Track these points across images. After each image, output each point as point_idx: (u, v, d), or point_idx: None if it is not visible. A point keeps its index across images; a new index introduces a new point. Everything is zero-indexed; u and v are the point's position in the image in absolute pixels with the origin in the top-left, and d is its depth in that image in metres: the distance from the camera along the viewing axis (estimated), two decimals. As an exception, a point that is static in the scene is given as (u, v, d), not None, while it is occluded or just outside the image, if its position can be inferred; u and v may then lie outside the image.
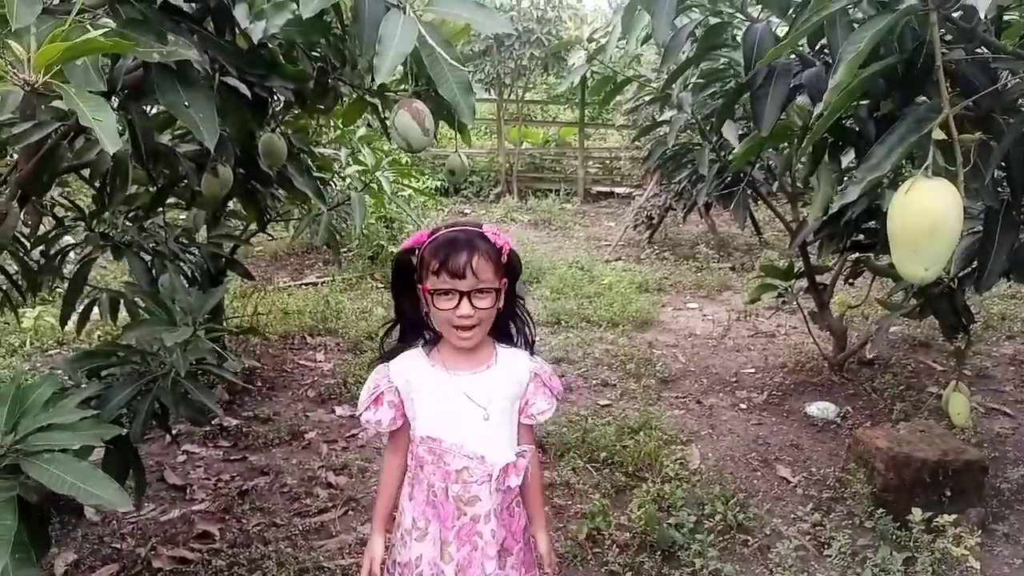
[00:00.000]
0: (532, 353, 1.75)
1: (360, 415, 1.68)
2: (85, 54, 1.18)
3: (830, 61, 2.01)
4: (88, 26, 1.24)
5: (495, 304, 1.59)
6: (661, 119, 4.17)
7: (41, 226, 2.82)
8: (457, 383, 1.62)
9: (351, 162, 3.97)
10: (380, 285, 6.35)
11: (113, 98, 1.73)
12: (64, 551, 2.66)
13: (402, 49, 1.35)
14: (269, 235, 5.67)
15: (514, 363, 1.69)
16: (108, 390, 1.97)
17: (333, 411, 3.94)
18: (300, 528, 2.86)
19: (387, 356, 1.70)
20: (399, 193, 4.57)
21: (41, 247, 2.81)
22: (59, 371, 2.16)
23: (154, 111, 2.42)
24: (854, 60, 1.48)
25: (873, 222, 3.28)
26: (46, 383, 1.63)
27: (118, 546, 2.73)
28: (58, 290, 3.14)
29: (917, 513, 2.63)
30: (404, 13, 1.39)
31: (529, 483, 1.71)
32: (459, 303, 1.53)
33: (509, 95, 11.62)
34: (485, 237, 1.57)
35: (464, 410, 1.62)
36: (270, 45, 1.95)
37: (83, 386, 1.97)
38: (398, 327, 1.72)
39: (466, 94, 1.43)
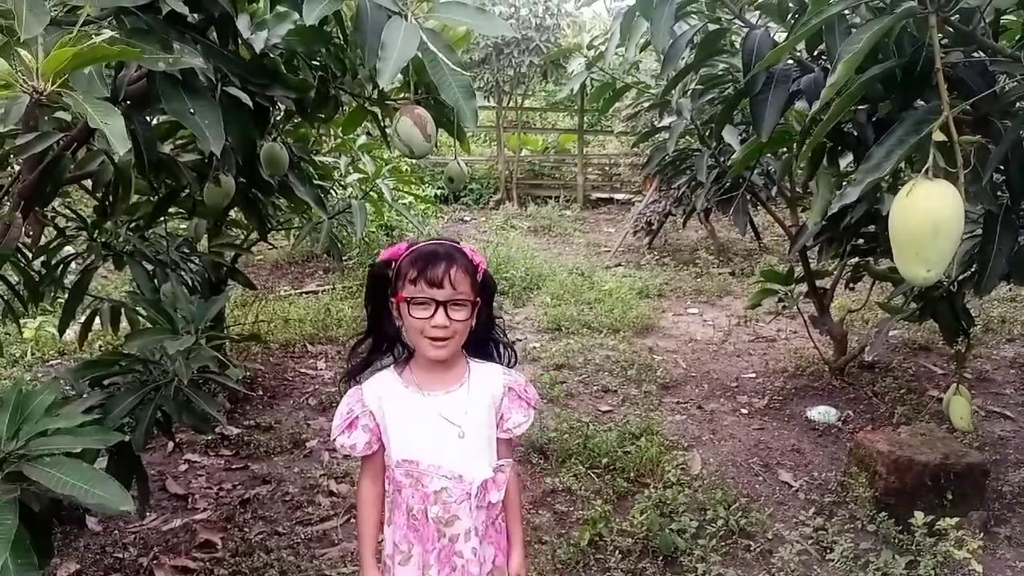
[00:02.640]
0: (512, 365, 1.74)
1: (334, 439, 1.65)
2: (93, 61, 1.19)
3: (828, 67, 2.02)
4: (94, 36, 1.25)
5: (469, 318, 1.59)
6: (660, 125, 4.19)
7: (43, 236, 2.83)
8: (431, 404, 1.62)
9: (351, 170, 3.98)
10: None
11: (117, 107, 1.74)
12: (66, 561, 2.66)
13: (404, 55, 1.36)
14: (270, 244, 5.68)
15: (488, 378, 1.69)
16: (111, 399, 1.97)
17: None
18: (302, 536, 2.86)
19: (353, 373, 1.69)
20: (399, 201, 4.58)
21: (42, 257, 2.82)
22: (61, 380, 2.16)
23: (156, 121, 2.43)
24: (852, 60, 1.49)
25: (872, 227, 3.30)
26: (48, 390, 1.63)
27: (120, 556, 2.73)
28: (59, 300, 3.15)
29: (919, 516, 2.63)
30: (405, 20, 1.40)
31: (508, 498, 1.70)
32: (435, 312, 1.53)
33: (508, 102, 11.64)
34: (464, 252, 1.59)
35: (440, 430, 1.60)
36: (272, 55, 1.96)
37: (86, 395, 1.97)
38: (369, 342, 1.70)
39: (469, 98, 1.44)
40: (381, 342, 1.68)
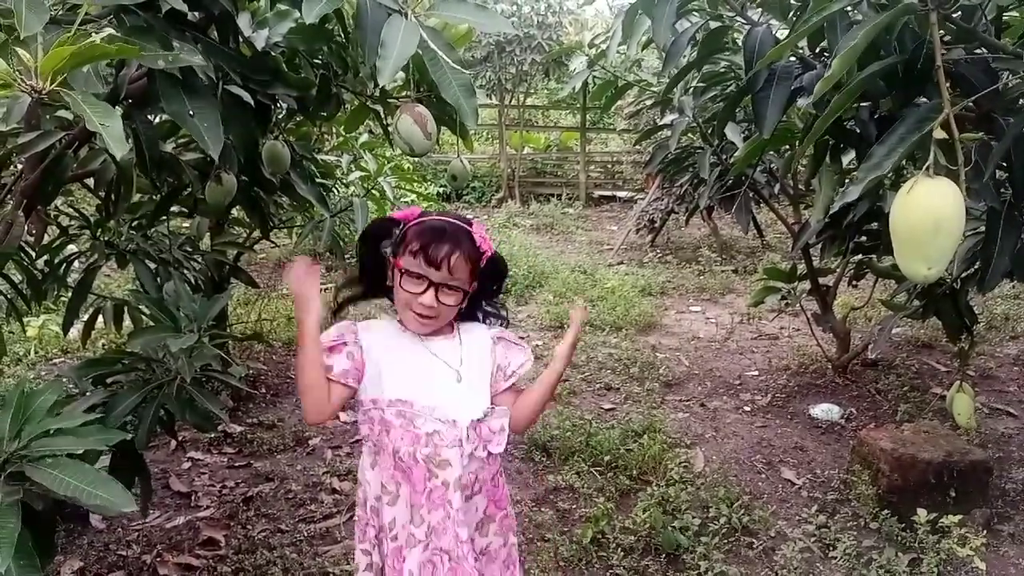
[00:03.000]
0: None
1: None
2: (92, 60, 1.19)
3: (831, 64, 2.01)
4: (93, 34, 1.25)
5: (459, 303, 1.60)
6: (663, 123, 4.17)
7: (46, 235, 2.83)
8: (427, 346, 1.62)
9: (353, 168, 3.98)
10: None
11: (117, 107, 1.74)
12: (70, 559, 2.67)
13: (404, 53, 1.36)
14: (272, 242, 5.68)
15: (475, 333, 1.70)
16: (113, 397, 1.97)
17: (337, 416, 3.95)
18: (305, 534, 2.86)
19: (339, 309, 1.69)
20: (401, 199, 4.58)
21: (46, 256, 2.82)
22: (64, 379, 2.16)
23: (158, 120, 2.43)
24: (849, 54, 1.48)
25: (875, 224, 3.29)
26: (50, 390, 1.63)
27: (124, 553, 2.73)
28: (63, 299, 3.16)
29: (922, 514, 2.63)
30: (406, 18, 1.40)
31: (529, 407, 1.69)
32: (425, 291, 1.54)
33: (511, 100, 11.64)
34: (471, 237, 1.58)
35: (436, 372, 1.61)
36: (273, 53, 1.96)
37: (89, 393, 1.98)
38: (361, 289, 1.70)
39: (469, 96, 1.44)
40: (367, 290, 1.68)
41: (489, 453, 1.64)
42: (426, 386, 1.60)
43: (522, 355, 1.70)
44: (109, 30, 1.38)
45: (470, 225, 1.61)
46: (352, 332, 1.62)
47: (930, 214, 1.34)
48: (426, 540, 1.60)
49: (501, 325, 1.76)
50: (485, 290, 1.68)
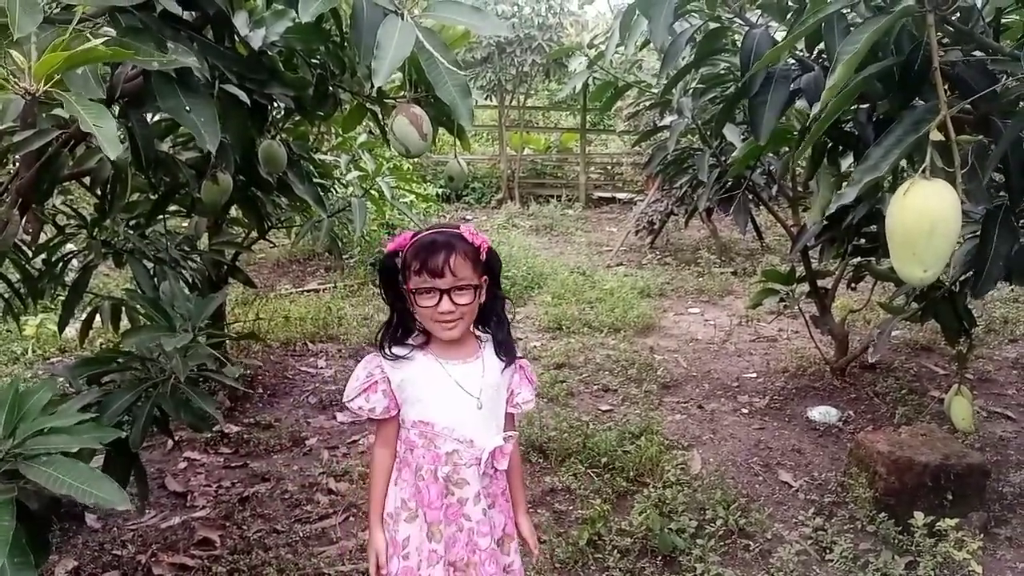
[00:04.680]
0: (513, 352, 1.81)
1: (350, 400, 1.73)
2: (86, 63, 1.19)
3: (828, 65, 2.01)
4: (88, 35, 1.25)
5: (475, 299, 1.67)
6: (661, 124, 4.18)
7: (43, 234, 2.83)
8: (450, 372, 1.71)
9: (352, 168, 3.98)
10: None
11: (113, 106, 1.74)
12: (65, 558, 2.66)
13: (400, 53, 1.35)
14: (270, 242, 5.68)
15: (499, 355, 1.79)
16: (108, 396, 1.97)
17: (334, 417, 3.94)
18: (301, 535, 2.86)
19: (382, 344, 1.76)
20: (400, 199, 4.58)
21: (43, 255, 2.82)
22: (59, 378, 2.16)
23: (154, 119, 2.43)
24: (852, 60, 1.48)
25: (874, 226, 3.29)
26: (44, 388, 1.63)
27: (119, 553, 2.73)
28: (60, 298, 3.16)
29: (919, 517, 2.63)
30: (402, 18, 1.40)
31: (511, 468, 1.81)
32: (440, 300, 1.62)
33: (511, 101, 11.64)
34: (463, 237, 1.65)
35: (457, 398, 1.70)
36: (270, 52, 1.96)
37: (83, 392, 1.97)
38: (394, 327, 1.77)
39: (464, 97, 1.44)
40: (402, 327, 1.75)
41: (496, 470, 1.76)
42: (447, 410, 1.70)
43: (530, 393, 1.83)
44: (106, 29, 1.38)
45: (458, 227, 1.69)
46: (378, 366, 1.73)
47: (926, 217, 1.34)
48: (445, 555, 1.71)
49: (501, 326, 1.80)
50: (495, 281, 1.75)
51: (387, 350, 1.72)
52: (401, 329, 1.75)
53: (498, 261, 1.74)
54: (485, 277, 1.70)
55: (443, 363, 1.71)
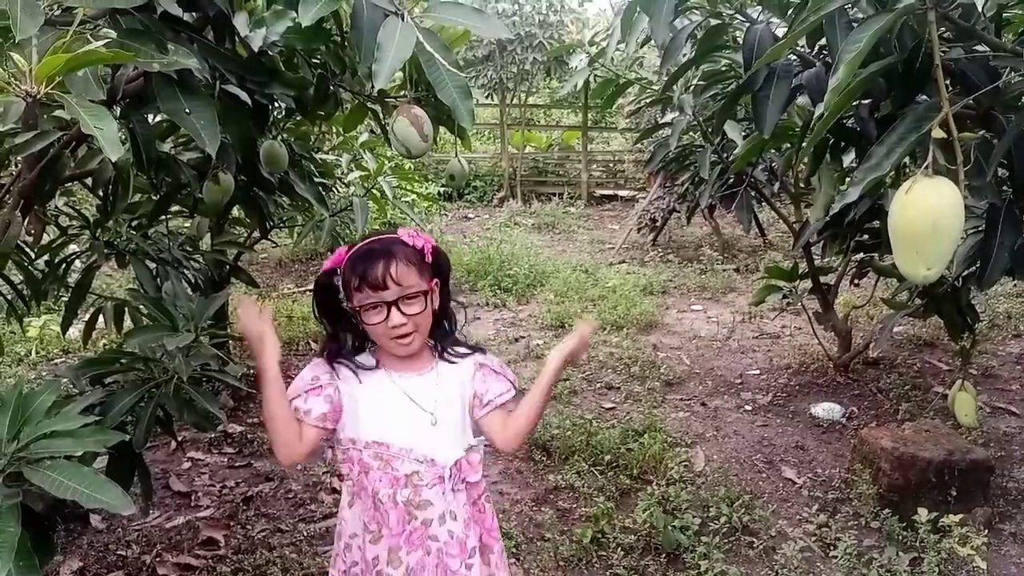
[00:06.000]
0: (466, 352, 1.68)
1: (290, 398, 1.58)
2: (86, 65, 1.19)
3: (830, 61, 2.01)
4: (89, 37, 1.25)
5: (427, 306, 1.56)
6: (663, 121, 4.17)
7: (46, 235, 2.83)
8: (401, 386, 1.59)
9: (353, 168, 3.98)
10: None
11: (115, 107, 1.74)
12: (69, 559, 2.67)
13: (400, 55, 1.35)
14: (273, 242, 5.68)
15: (456, 363, 1.65)
16: (111, 397, 1.97)
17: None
18: (305, 534, 2.86)
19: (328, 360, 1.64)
20: (402, 198, 4.58)
21: (46, 256, 2.82)
22: (62, 379, 2.16)
23: (156, 120, 2.43)
24: (854, 60, 1.48)
25: (876, 222, 3.28)
26: (48, 390, 1.63)
27: (123, 553, 2.74)
28: (63, 299, 3.17)
29: (923, 513, 2.62)
30: (402, 20, 1.40)
31: (520, 417, 1.64)
32: (388, 314, 1.50)
33: (512, 99, 11.63)
34: (403, 242, 1.54)
35: (410, 414, 1.57)
36: (270, 52, 1.96)
37: (86, 393, 1.97)
38: (341, 344, 1.64)
39: (465, 98, 1.44)
40: (353, 347, 1.64)
41: (465, 482, 1.61)
42: (401, 428, 1.57)
43: (502, 385, 1.65)
44: (107, 31, 1.38)
45: (396, 232, 1.57)
46: (328, 372, 1.60)
47: (928, 214, 1.34)
48: None
49: (455, 333, 1.70)
50: (445, 282, 1.63)
51: (337, 366, 1.59)
52: (354, 347, 1.63)
53: (446, 261, 1.63)
54: (436, 279, 1.59)
55: (394, 377, 1.59)
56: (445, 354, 1.66)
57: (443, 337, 1.67)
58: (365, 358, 1.64)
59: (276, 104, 2.32)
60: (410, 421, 1.57)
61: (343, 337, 1.64)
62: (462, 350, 1.67)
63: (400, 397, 1.58)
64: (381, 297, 1.50)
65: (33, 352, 4.76)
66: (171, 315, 2.05)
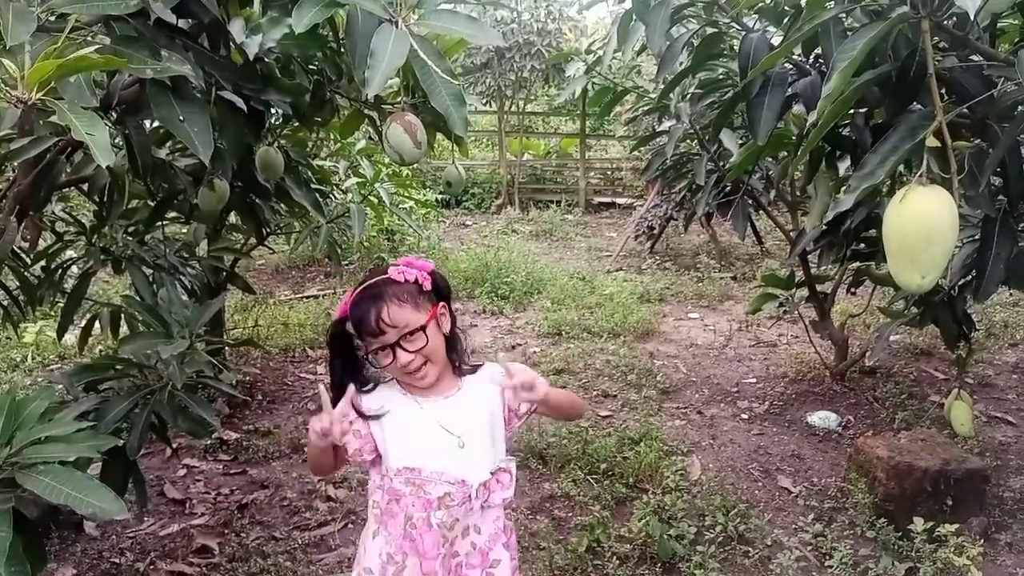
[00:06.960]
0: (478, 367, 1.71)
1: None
2: (78, 71, 1.19)
3: (825, 70, 2.02)
4: (83, 43, 1.25)
5: (437, 334, 1.57)
6: (660, 129, 4.18)
7: (42, 241, 2.83)
8: (430, 413, 1.60)
9: (350, 174, 3.98)
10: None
11: (110, 113, 1.74)
12: (63, 566, 2.66)
13: (393, 62, 1.35)
14: (269, 248, 5.68)
15: (483, 382, 1.67)
16: (105, 403, 1.97)
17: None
18: (299, 542, 2.85)
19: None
20: (399, 205, 4.58)
21: (42, 262, 2.82)
22: (58, 385, 2.15)
23: (152, 126, 2.43)
24: (848, 68, 1.48)
25: (872, 231, 3.28)
26: (42, 396, 1.63)
27: (117, 561, 2.72)
28: (59, 305, 3.17)
29: (919, 523, 2.62)
30: (396, 27, 1.40)
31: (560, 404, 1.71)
32: (394, 356, 1.52)
33: (510, 107, 11.66)
34: (393, 281, 1.54)
35: (439, 439, 1.59)
36: (266, 59, 1.96)
37: (81, 399, 1.97)
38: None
39: (458, 106, 1.44)
40: (367, 381, 1.66)
41: (490, 502, 1.63)
42: (432, 453, 1.59)
43: (528, 405, 1.67)
44: (101, 37, 1.38)
45: (387, 271, 1.57)
46: (352, 411, 1.61)
47: (922, 224, 1.34)
48: None
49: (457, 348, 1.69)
50: (448, 304, 1.64)
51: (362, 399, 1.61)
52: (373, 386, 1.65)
53: (445, 283, 1.62)
54: (442, 303, 1.59)
55: (421, 403, 1.60)
56: (464, 367, 1.67)
57: (460, 354, 1.68)
58: (390, 387, 1.65)
59: (273, 110, 2.32)
60: (440, 445, 1.58)
61: (365, 377, 1.65)
62: (482, 370, 1.70)
63: (428, 423, 1.59)
64: (382, 342, 1.52)
65: (29, 358, 4.75)
66: (166, 322, 2.05)
